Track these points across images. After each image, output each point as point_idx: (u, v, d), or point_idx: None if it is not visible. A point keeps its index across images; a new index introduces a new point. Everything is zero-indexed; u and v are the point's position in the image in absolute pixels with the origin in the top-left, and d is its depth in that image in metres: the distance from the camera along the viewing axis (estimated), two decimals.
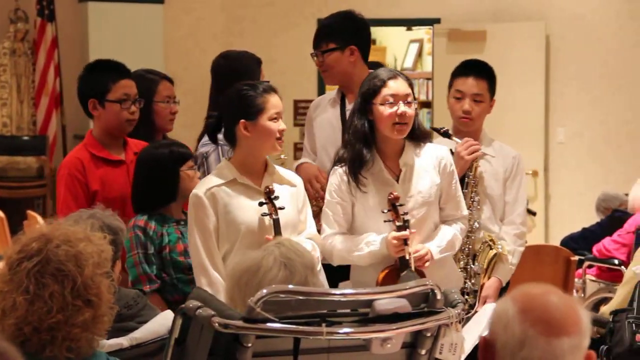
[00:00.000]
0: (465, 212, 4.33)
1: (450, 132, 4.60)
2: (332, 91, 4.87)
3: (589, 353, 2.11)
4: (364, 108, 4.09)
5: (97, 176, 4.49)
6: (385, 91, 4.05)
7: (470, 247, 4.52)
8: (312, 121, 4.82)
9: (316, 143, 4.76)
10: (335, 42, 4.69)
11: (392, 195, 4.01)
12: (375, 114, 4.07)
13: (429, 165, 4.18)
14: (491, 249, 4.51)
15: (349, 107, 4.58)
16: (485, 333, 2.15)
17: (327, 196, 4.19)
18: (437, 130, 4.66)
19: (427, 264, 4.05)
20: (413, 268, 3.99)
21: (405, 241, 3.99)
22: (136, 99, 4.61)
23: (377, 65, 5.24)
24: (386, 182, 4.11)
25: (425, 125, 4.42)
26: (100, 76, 4.61)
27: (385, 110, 4.04)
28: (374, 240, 4.07)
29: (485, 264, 4.50)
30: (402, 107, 4.04)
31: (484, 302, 4.40)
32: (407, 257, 3.99)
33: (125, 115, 4.57)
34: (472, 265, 4.50)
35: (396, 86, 4.07)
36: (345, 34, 4.70)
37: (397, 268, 4.05)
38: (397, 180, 4.13)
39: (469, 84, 4.59)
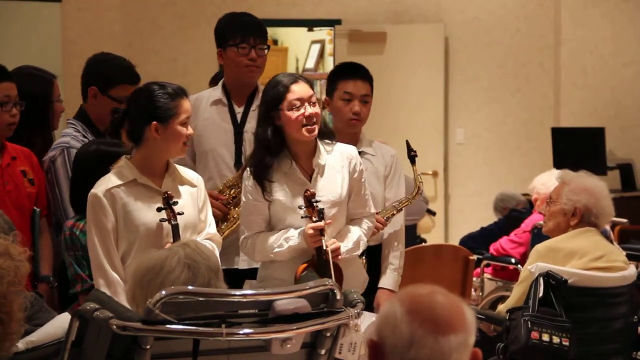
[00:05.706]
0: (372, 209, 4.39)
1: (416, 159, 4.63)
2: (205, 92, 4.73)
3: (475, 351, 2.14)
4: (267, 116, 4.12)
5: None
6: (290, 96, 4.09)
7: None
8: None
9: (201, 146, 4.60)
10: (266, 42, 4.67)
11: (308, 193, 4.07)
12: (283, 119, 4.10)
13: (340, 165, 4.24)
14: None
15: (239, 110, 4.61)
16: (371, 335, 2.16)
17: (243, 197, 4.22)
18: (409, 148, 4.64)
19: (339, 257, 4.12)
20: (331, 259, 4.03)
21: (321, 232, 4.04)
22: (17, 102, 4.45)
23: None
24: (299, 182, 4.16)
25: (328, 124, 4.43)
26: None
27: (293, 114, 4.08)
28: (292, 235, 4.13)
29: None
30: (308, 109, 4.09)
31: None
32: (325, 248, 4.04)
33: (6, 118, 4.41)
34: None
35: (299, 89, 4.11)
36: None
37: (314, 262, 4.10)
38: (310, 180, 4.18)
39: (359, 86, 4.66)
